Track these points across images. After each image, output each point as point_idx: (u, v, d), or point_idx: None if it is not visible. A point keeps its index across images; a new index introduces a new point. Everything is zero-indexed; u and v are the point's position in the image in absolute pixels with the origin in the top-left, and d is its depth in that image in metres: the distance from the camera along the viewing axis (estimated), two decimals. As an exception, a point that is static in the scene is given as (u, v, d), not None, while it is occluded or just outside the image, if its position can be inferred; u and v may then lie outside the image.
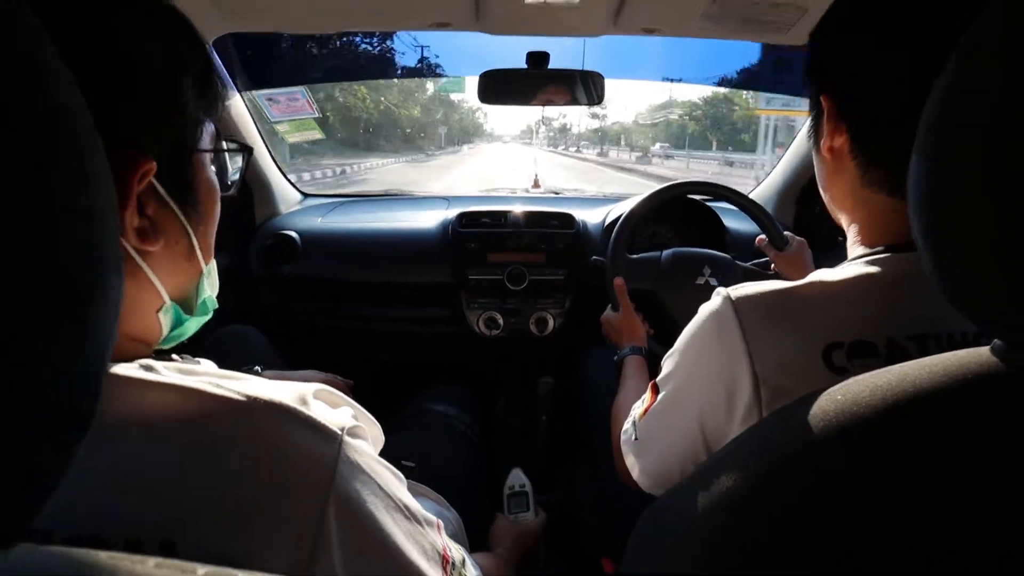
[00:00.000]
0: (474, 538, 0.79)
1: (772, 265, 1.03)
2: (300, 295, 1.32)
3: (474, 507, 0.86)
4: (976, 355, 0.31)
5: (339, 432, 0.35)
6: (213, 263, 0.43)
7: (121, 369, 0.33)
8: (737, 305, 0.45)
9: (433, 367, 1.44)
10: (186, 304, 0.41)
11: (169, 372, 0.34)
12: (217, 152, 0.42)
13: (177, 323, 0.41)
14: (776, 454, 0.34)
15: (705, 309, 0.48)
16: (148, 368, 0.34)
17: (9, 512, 0.17)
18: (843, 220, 0.54)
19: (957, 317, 0.31)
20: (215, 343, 1.07)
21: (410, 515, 0.40)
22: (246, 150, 0.46)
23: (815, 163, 0.55)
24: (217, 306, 0.45)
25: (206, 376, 0.35)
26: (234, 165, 0.47)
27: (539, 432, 1.34)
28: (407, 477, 0.80)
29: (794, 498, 0.31)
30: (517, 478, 0.94)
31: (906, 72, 0.42)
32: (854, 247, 0.51)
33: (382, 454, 0.42)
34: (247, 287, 1.31)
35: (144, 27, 0.35)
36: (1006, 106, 0.25)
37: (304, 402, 0.35)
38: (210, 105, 0.40)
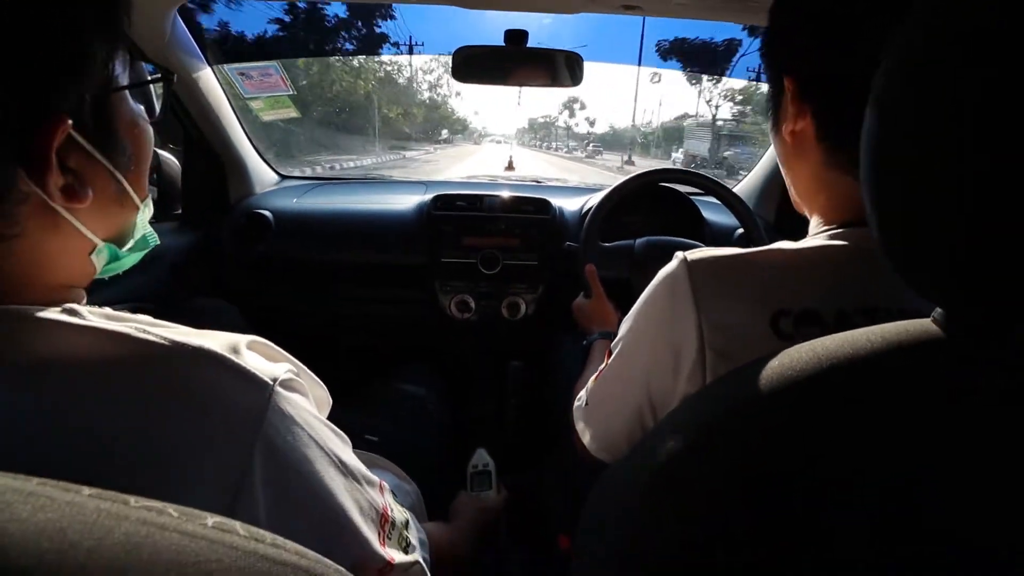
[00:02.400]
0: (436, 514, 0.78)
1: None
2: (272, 274, 1.29)
3: (438, 484, 0.85)
4: (918, 324, 0.31)
5: (270, 382, 0.34)
6: (149, 198, 0.42)
7: (43, 313, 0.32)
8: (691, 267, 0.44)
9: (405, 348, 1.42)
10: (121, 240, 0.40)
11: (94, 317, 0.33)
12: (137, 87, 0.39)
13: (113, 259, 0.40)
14: (714, 418, 0.33)
15: (662, 271, 0.48)
16: (72, 312, 0.33)
17: None
18: (805, 202, 0.53)
19: (911, 292, 0.30)
20: (190, 312, 1.06)
21: (347, 471, 0.39)
22: (166, 78, 0.42)
23: (775, 145, 0.54)
24: (159, 242, 0.44)
25: (133, 322, 0.34)
26: (159, 90, 0.44)
27: (508, 415, 1.33)
28: (370, 451, 0.79)
29: (731, 460, 0.30)
30: (481, 457, 0.94)
31: (874, 50, 0.40)
32: (817, 226, 0.50)
33: (346, 427, 0.41)
34: (218, 265, 1.29)
35: None
36: (947, 80, 0.24)
37: (235, 351, 0.34)
38: (116, 28, 0.36)
